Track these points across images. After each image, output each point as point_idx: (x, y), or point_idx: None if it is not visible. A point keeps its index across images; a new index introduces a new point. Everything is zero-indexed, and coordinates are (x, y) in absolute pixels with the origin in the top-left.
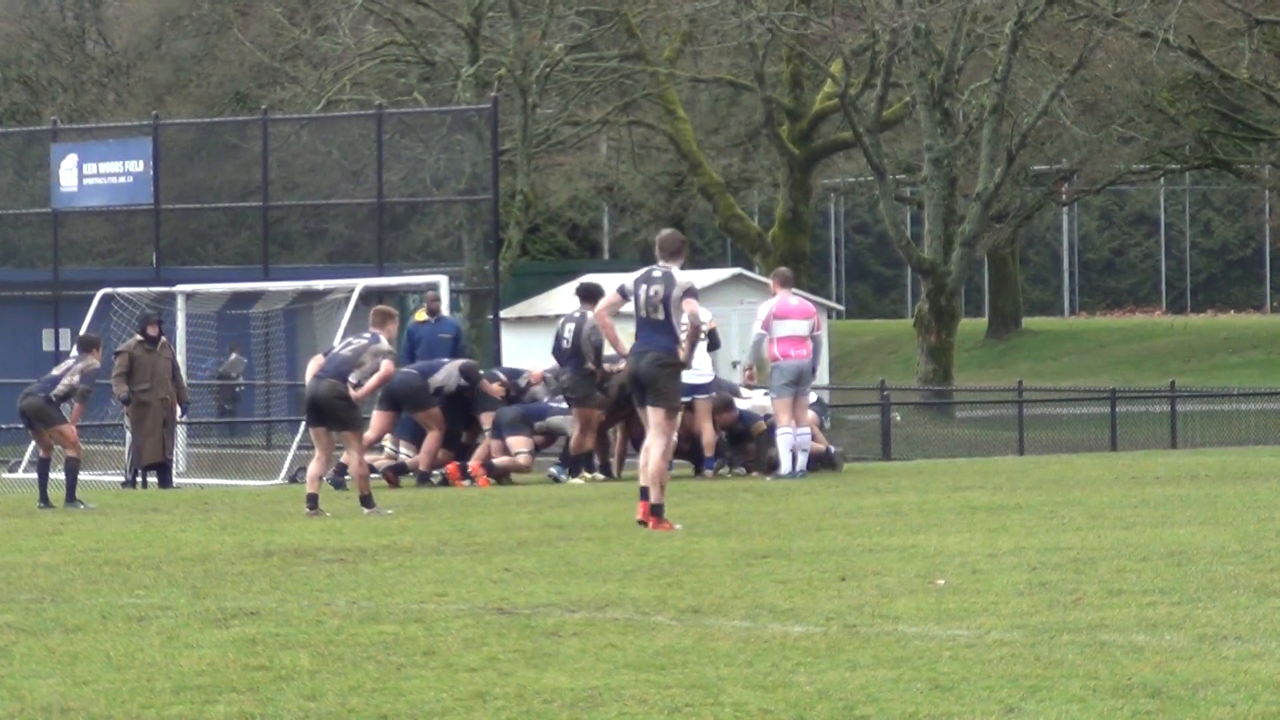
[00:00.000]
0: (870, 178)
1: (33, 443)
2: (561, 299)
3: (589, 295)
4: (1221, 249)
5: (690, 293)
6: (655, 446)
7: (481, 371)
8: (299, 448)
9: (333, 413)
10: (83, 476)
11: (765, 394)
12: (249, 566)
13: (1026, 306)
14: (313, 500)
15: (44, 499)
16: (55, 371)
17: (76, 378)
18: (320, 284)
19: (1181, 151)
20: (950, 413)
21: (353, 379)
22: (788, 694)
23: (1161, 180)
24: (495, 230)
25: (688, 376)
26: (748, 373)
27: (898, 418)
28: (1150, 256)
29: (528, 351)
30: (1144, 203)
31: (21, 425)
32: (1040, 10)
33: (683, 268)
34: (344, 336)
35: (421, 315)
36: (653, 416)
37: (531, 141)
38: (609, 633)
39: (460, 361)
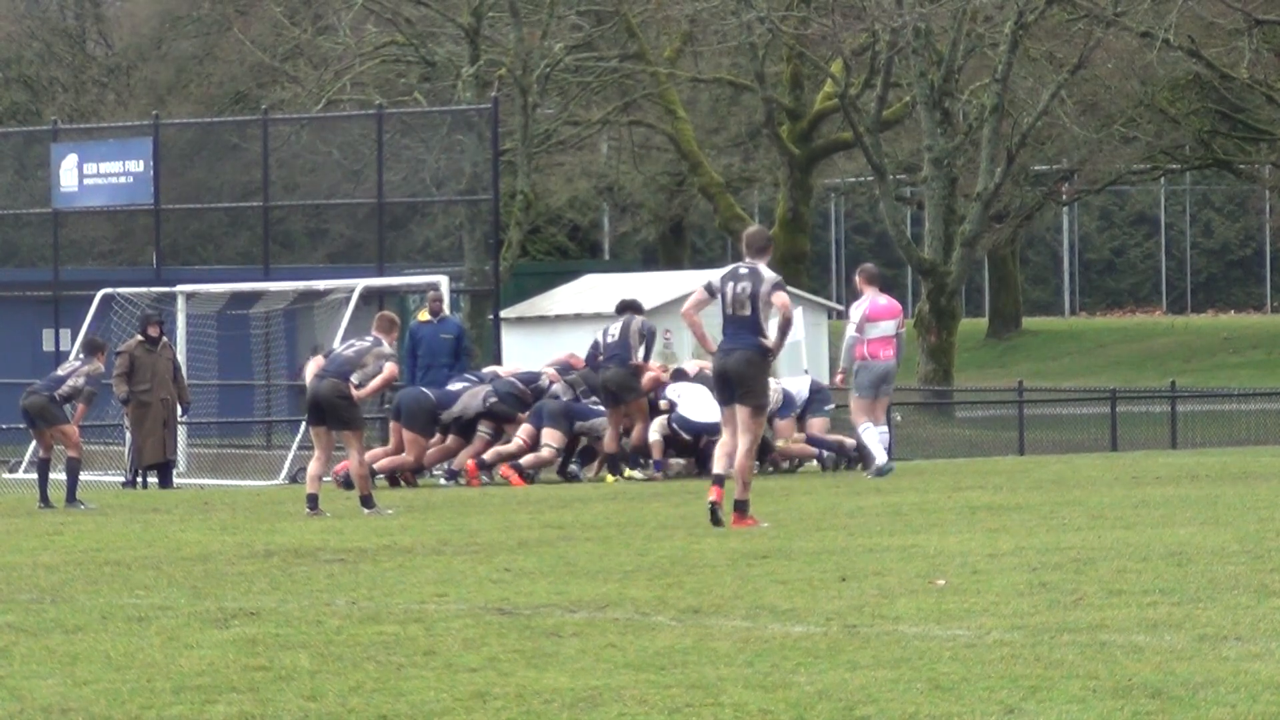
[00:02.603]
0: (870, 178)
1: (33, 443)
2: (562, 299)
3: (630, 307)
4: (1221, 249)
5: (779, 286)
6: (742, 443)
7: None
8: (299, 448)
9: (334, 412)
10: (83, 476)
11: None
12: (249, 566)
13: (1026, 306)
14: (313, 500)
15: (44, 499)
16: (60, 372)
17: (81, 379)
18: (321, 284)
19: (1181, 151)
20: (950, 413)
21: (354, 379)
22: (788, 694)
23: (1162, 180)
24: (495, 230)
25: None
26: (840, 377)
27: (898, 418)
28: (1150, 256)
29: (528, 352)
30: (1144, 203)
31: (23, 425)
32: (1040, 10)
33: (768, 265)
34: (345, 337)
35: (424, 315)
36: (740, 415)
37: (532, 141)
38: (609, 633)
39: (490, 399)
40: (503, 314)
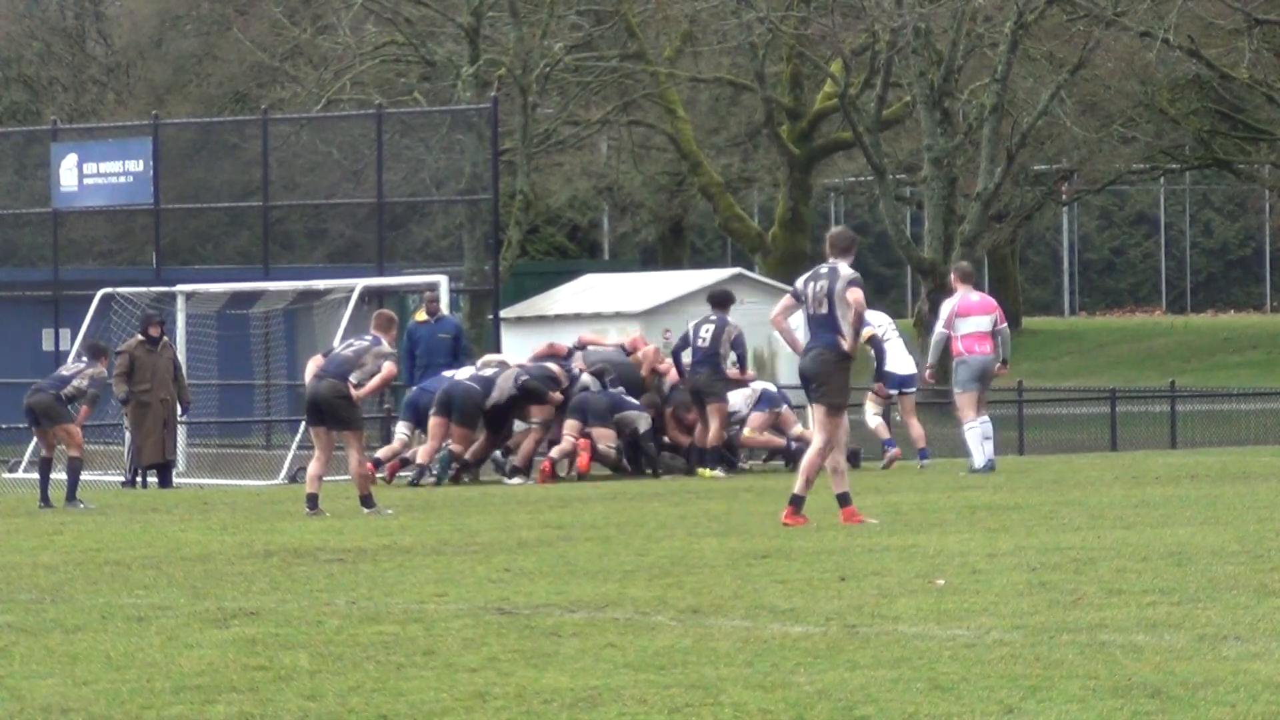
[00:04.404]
0: (870, 177)
1: (33, 442)
2: (561, 299)
3: (722, 301)
4: (1221, 249)
5: (854, 283)
6: (816, 441)
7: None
8: (299, 448)
9: (333, 412)
10: (83, 476)
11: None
12: (249, 566)
13: (1026, 306)
14: (312, 500)
15: (44, 498)
16: (64, 371)
17: (85, 381)
18: (320, 284)
19: (1181, 151)
20: (950, 413)
21: (353, 379)
22: (788, 694)
23: (1161, 180)
24: (495, 230)
25: (896, 366)
26: (929, 372)
27: (898, 417)
28: (1150, 256)
29: (528, 352)
30: (1144, 203)
31: (26, 423)
32: (1040, 10)
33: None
34: (344, 337)
35: (421, 315)
36: (815, 413)
37: (531, 141)
38: (609, 633)
39: (522, 378)
40: (502, 314)
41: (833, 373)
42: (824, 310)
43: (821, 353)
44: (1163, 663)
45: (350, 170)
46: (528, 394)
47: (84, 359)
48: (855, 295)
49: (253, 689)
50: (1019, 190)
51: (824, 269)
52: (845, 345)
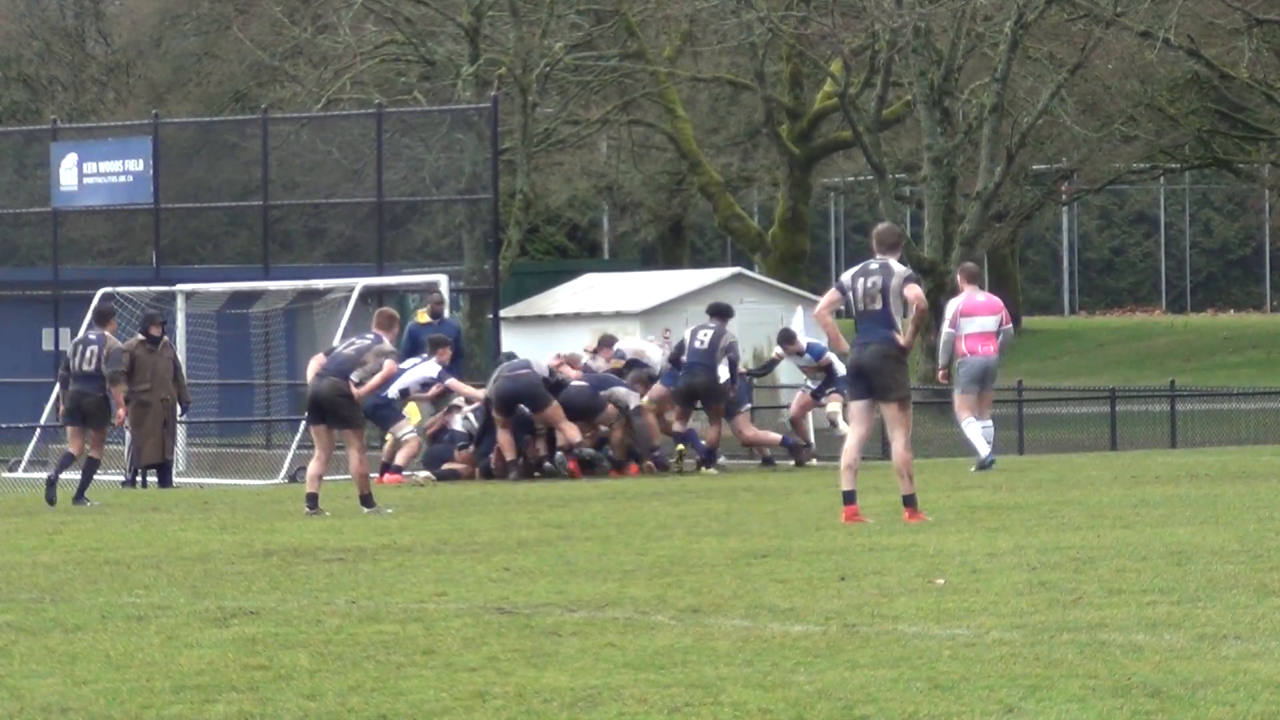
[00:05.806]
0: (870, 177)
1: (33, 441)
2: (561, 298)
3: (721, 312)
4: (1221, 248)
5: (912, 279)
6: (897, 440)
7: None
8: (299, 447)
9: (334, 411)
10: None
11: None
12: (249, 566)
13: (1026, 306)
14: (312, 500)
15: (51, 488)
16: (87, 367)
17: (106, 366)
18: (320, 283)
19: (1181, 151)
20: (950, 412)
21: (354, 378)
22: (788, 693)
23: (1161, 180)
24: (495, 230)
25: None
26: (941, 372)
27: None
28: (1150, 256)
29: (528, 351)
30: (1144, 202)
31: (65, 422)
32: (1040, 10)
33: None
34: (345, 336)
35: (424, 317)
36: (887, 412)
37: (531, 141)
38: (609, 632)
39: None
40: (502, 313)
41: (895, 370)
42: (877, 306)
43: (882, 348)
44: (1163, 662)
45: (350, 170)
46: (561, 387)
47: (93, 334)
48: (916, 292)
49: (253, 688)
50: (1019, 190)
51: (874, 265)
52: (902, 341)
